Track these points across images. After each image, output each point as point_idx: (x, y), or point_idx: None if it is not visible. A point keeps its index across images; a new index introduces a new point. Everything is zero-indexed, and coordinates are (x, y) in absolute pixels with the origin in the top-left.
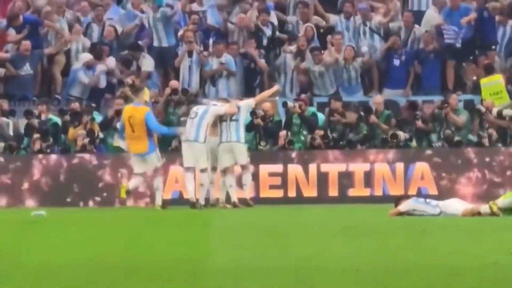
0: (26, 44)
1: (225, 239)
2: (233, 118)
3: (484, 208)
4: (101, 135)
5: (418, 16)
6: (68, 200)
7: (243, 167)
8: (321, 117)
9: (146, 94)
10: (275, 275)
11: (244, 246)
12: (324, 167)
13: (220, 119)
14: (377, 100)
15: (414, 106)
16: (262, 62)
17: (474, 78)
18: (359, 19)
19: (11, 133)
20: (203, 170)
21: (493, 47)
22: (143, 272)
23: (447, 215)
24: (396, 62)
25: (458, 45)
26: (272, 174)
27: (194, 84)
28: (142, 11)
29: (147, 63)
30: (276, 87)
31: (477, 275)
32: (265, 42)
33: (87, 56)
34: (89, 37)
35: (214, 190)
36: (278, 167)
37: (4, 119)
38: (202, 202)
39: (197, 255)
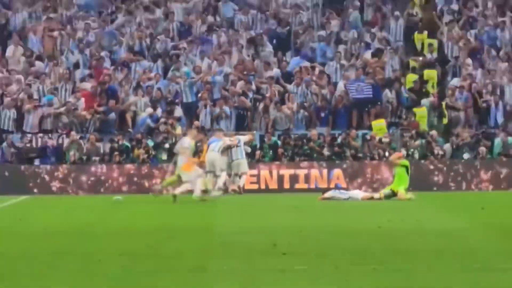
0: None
1: (232, 211)
2: (238, 145)
3: (376, 195)
4: (153, 153)
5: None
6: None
7: (244, 173)
8: (278, 142)
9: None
10: (263, 234)
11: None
12: (281, 171)
13: (229, 147)
14: (313, 133)
15: (333, 137)
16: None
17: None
18: (305, 87)
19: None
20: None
21: (379, 103)
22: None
23: (353, 199)
24: (323, 113)
25: (360, 97)
26: (251, 175)
27: (208, 123)
28: (177, 82)
29: (179, 111)
30: (252, 134)
31: (367, 235)
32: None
33: (150, 110)
34: (149, 97)
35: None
36: (255, 171)
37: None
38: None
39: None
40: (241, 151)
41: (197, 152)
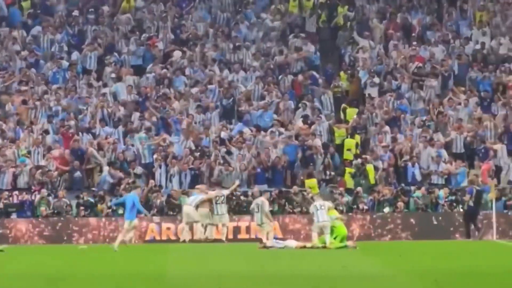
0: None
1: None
2: (222, 201)
3: (308, 244)
4: (114, 208)
5: None
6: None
7: (225, 224)
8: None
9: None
10: (210, 280)
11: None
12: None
13: (213, 201)
14: (255, 190)
15: (280, 191)
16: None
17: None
18: (246, 150)
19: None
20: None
21: (311, 163)
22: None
23: (288, 248)
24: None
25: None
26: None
27: (163, 181)
28: (133, 145)
29: (139, 170)
30: (237, 182)
31: (300, 280)
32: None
33: (107, 169)
34: (110, 159)
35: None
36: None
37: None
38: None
39: None
40: (222, 206)
41: None
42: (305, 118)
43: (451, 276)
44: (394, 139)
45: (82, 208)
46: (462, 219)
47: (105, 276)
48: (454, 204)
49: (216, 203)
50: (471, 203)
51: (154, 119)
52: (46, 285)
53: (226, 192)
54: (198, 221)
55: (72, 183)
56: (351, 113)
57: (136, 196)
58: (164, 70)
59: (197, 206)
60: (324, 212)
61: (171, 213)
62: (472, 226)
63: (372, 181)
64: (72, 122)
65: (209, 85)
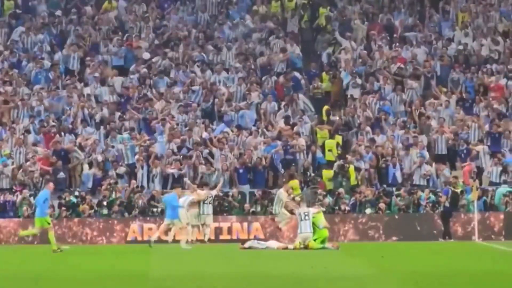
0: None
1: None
2: (209, 201)
3: (290, 246)
4: (96, 208)
5: None
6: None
7: (208, 225)
8: None
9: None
10: (192, 280)
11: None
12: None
13: (201, 202)
14: (234, 191)
15: (264, 191)
16: None
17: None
18: (228, 150)
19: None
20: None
21: (293, 164)
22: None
23: (270, 249)
24: (243, 173)
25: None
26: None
27: (144, 182)
28: (113, 146)
29: (122, 170)
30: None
31: (281, 280)
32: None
33: (93, 170)
34: (93, 160)
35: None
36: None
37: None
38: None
39: None
40: (209, 206)
41: None
42: (287, 119)
43: (431, 277)
44: (375, 140)
45: (64, 208)
46: (440, 220)
47: (87, 276)
48: (436, 205)
49: (203, 203)
50: (447, 204)
51: (136, 119)
52: (29, 285)
53: (214, 192)
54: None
55: (56, 183)
56: (331, 113)
57: (175, 196)
58: (146, 71)
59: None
60: (308, 222)
61: (153, 213)
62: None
63: (354, 182)
64: (54, 123)
65: (191, 86)
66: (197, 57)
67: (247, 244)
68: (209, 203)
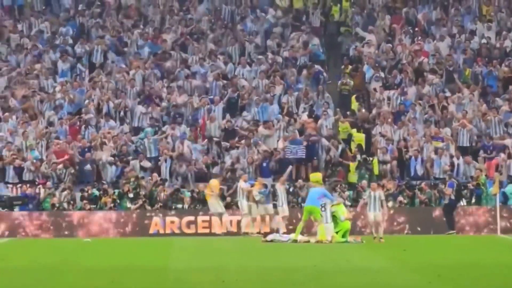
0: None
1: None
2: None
3: (312, 239)
4: (118, 201)
5: None
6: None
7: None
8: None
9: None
10: (213, 272)
11: None
12: (230, 217)
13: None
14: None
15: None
16: None
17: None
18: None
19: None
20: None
21: (315, 158)
22: None
23: (292, 242)
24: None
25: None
26: (204, 221)
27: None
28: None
29: (146, 163)
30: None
31: (303, 272)
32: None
33: (115, 162)
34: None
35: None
36: (207, 217)
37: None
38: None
39: None
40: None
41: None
42: (310, 112)
43: (454, 270)
44: (397, 134)
45: (86, 201)
46: (443, 212)
47: (108, 268)
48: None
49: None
50: (452, 197)
51: (159, 112)
52: (49, 277)
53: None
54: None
55: (80, 176)
56: (356, 106)
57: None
58: (169, 63)
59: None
60: (326, 213)
61: (176, 206)
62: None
63: (376, 174)
64: (78, 116)
65: (214, 78)
66: (219, 50)
67: (269, 237)
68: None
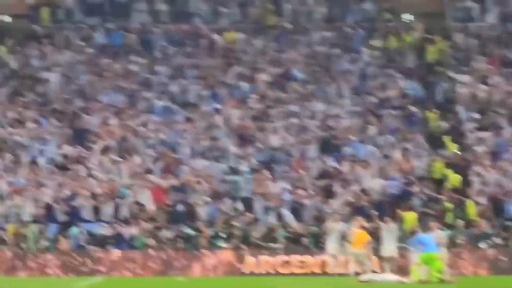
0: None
1: None
2: None
3: (405, 279)
4: (211, 240)
5: None
6: None
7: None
8: None
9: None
10: None
11: None
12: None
13: None
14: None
15: None
16: None
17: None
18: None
19: None
20: None
21: (410, 198)
22: None
23: (387, 281)
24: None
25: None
26: (285, 261)
27: (261, 215)
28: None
29: (238, 205)
30: None
31: None
32: None
33: (209, 202)
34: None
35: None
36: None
37: None
38: None
39: None
40: None
41: None
42: (404, 152)
43: None
44: (492, 175)
45: (180, 240)
46: None
47: None
48: None
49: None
50: None
51: (254, 152)
52: None
53: None
54: None
55: (174, 216)
56: (451, 147)
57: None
58: (264, 103)
59: None
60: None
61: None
62: None
63: (472, 216)
64: (171, 155)
65: (308, 118)
66: (314, 90)
67: (365, 277)
68: None
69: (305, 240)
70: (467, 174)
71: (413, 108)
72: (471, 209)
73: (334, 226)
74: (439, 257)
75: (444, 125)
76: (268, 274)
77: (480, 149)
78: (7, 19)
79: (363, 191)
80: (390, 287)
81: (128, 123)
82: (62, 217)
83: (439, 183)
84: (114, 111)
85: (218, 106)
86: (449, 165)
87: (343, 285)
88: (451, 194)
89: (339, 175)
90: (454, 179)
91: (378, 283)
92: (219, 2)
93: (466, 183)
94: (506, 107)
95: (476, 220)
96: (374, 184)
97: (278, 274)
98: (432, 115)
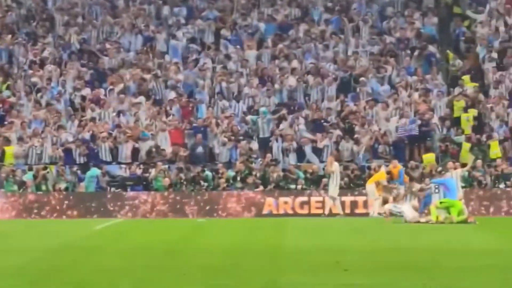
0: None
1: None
2: None
3: (422, 219)
4: (231, 182)
5: None
6: None
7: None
8: None
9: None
10: (327, 253)
11: None
12: (343, 198)
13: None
14: (373, 164)
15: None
16: None
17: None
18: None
19: None
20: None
21: (428, 138)
22: None
23: (404, 215)
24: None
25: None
26: (317, 201)
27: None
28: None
29: (255, 145)
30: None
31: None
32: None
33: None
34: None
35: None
36: (320, 198)
37: None
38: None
39: None
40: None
41: None
42: (422, 92)
43: None
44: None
45: (199, 182)
46: None
47: (222, 249)
48: None
49: None
50: None
51: (272, 93)
52: (163, 257)
53: None
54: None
55: (194, 158)
56: (469, 85)
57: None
58: (282, 45)
59: None
60: (438, 196)
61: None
62: None
63: (492, 156)
64: (189, 96)
65: (326, 59)
66: (331, 30)
67: (385, 208)
68: None
69: (324, 181)
70: (486, 114)
71: (432, 48)
72: (495, 148)
73: (334, 168)
74: (458, 202)
75: (463, 64)
76: (286, 214)
77: (499, 89)
78: None
79: (381, 131)
80: (403, 227)
81: (147, 65)
82: (81, 159)
83: (458, 123)
84: (132, 53)
85: (237, 46)
86: (468, 104)
87: (358, 225)
88: (470, 134)
89: (358, 116)
90: (473, 119)
91: (398, 214)
92: None
93: (485, 123)
94: None
95: (496, 160)
96: (393, 124)
97: (296, 214)
98: (451, 55)
